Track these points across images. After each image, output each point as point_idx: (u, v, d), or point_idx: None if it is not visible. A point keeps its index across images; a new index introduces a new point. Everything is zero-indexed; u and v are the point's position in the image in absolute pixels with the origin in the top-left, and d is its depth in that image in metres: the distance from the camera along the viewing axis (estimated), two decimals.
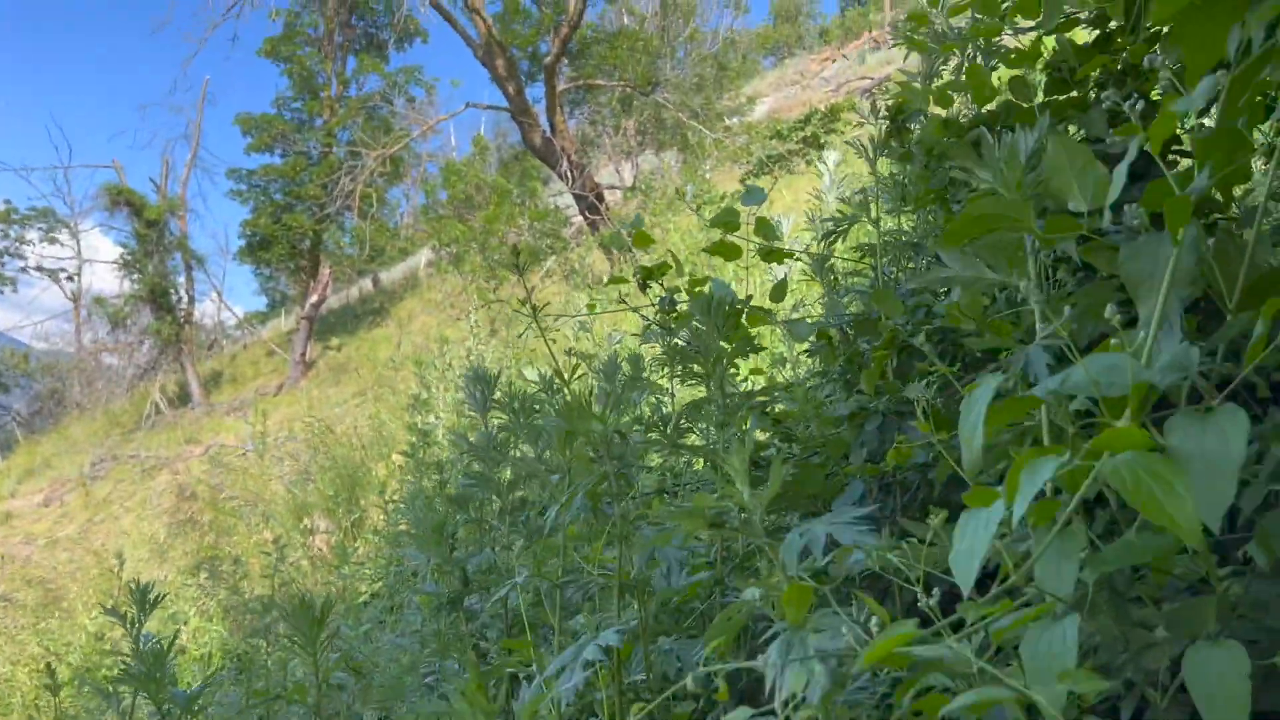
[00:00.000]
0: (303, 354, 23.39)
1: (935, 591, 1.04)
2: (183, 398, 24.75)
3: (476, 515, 2.70)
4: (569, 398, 2.04)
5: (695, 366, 2.46)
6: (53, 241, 32.23)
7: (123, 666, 2.81)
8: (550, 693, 1.32)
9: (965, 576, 0.89)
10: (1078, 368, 0.87)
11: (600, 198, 18.29)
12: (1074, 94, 2.10)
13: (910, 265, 2.49)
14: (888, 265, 2.49)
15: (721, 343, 2.03)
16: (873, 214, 2.38)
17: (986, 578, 1.13)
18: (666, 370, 2.64)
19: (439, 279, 27.61)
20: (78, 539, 14.08)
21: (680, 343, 2.57)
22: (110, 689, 2.67)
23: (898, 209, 2.42)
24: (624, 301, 2.89)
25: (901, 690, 0.96)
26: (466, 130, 40.68)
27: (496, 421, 2.95)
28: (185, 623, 5.54)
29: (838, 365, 2.51)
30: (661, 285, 2.65)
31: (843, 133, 19.17)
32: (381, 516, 5.93)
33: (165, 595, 2.82)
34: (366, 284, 33.60)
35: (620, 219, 17.81)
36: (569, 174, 18.25)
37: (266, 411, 18.87)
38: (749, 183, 18.65)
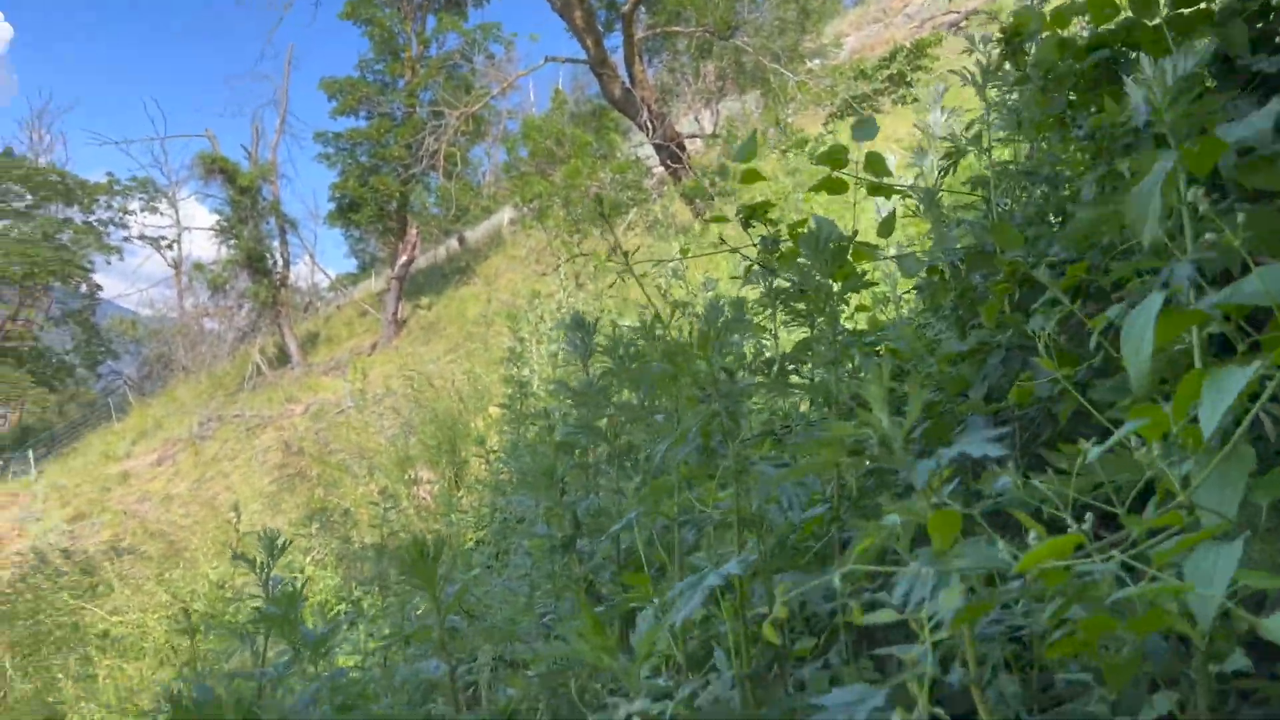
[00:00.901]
0: (394, 313, 23.88)
1: (1089, 517, 1.02)
2: (281, 359, 25.56)
3: (582, 461, 2.72)
4: (672, 340, 2.04)
5: (799, 307, 2.43)
6: (153, 210, 33.51)
7: (253, 610, 2.95)
8: (668, 621, 1.34)
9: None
10: (1250, 279, 0.84)
11: (682, 147, 18.11)
12: (1203, 5, 1.98)
13: (1025, 196, 2.41)
14: (1001, 197, 2.41)
15: (830, 279, 2.00)
16: (984, 144, 2.31)
17: (1141, 501, 1.10)
18: (768, 312, 2.62)
19: (523, 235, 27.82)
20: (190, 495, 14.75)
21: (784, 283, 2.55)
22: (244, 630, 2.80)
23: (1012, 137, 2.34)
24: (723, 243, 2.87)
25: (1058, 609, 0.94)
26: (545, 85, 40.66)
27: (598, 368, 2.97)
28: (301, 571, 5.78)
29: (949, 302, 2.45)
30: (764, 225, 2.63)
31: (929, 69, 18.57)
32: (483, 466, 6.06)
33: (289, 543, 2.94)
34: (452, 243, 34.07)
35: (702, 168, 17.64)
36: (649, 124, 18.09)
37: (363, 369, 19.39)
38: (832, 126, 18.26)
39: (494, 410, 7.51)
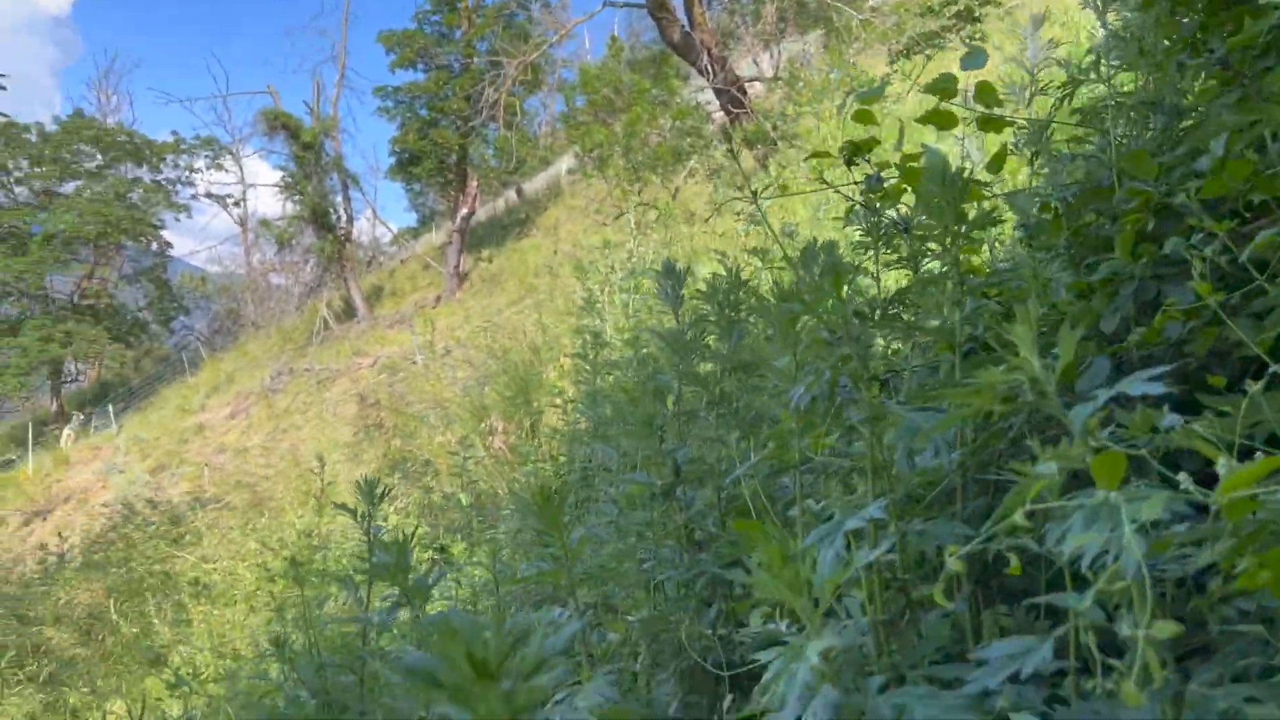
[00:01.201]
0: (456, 266, 24.03)
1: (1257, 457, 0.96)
2: (348, 312, 25.95)
3: (684, 409, 2.69)
4: (793, 281, 1.98)
5: (914, 246, 2.37)
6: (219, 168, 34.05)
7: (354, 556, 3.00)
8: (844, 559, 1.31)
9: None
10: None
11: (743, 91, 17.79)
12: None
13: (1144, 127, 2.29)
14: (1119, 128, 2.30)
15: (956, 214, 1.92)
16: (1102, 72, 2.20)
17: None
18: (870, 254, 2.55)
19: (581, 186, 27.71)
20: (265, 447, 15.11)
21: (890, 222, 2.48)
22: (352, 578, 2.85)
23: (1131, 65, 2.22)
24: (824, 182, 2.79)
25: (1250, 534, 0.89)
26: (600, 33, 40.14)
27: (689, 314, 2.93)
28: (385, 520, 5.88)
29: (1061, 241, 2.36)
30: (869, 162, 2.55)
31: (999, 3, 17.95)
32: (560, 416, 6.08)
33: (388, 491, 2.97)
34: (511, 195, 34.11)
35: (764, 112, 17.32)
36: (709, 69, 17.78)
37: (431, 321, 19.60)
38: (898, 65, 17.76)
39: (565, 361, 7.53)
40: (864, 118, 2.34)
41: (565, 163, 32.91)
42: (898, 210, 2.52)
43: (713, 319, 2.62)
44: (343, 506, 2.94)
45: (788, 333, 1.77)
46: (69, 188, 34.17)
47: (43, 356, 30.69)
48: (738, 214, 9.55)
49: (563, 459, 5.74)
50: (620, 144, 16.47)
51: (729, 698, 2.28)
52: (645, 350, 5.63)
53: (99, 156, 34.33)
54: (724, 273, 2.82)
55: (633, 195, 16.33)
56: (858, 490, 1.67)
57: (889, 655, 1.48)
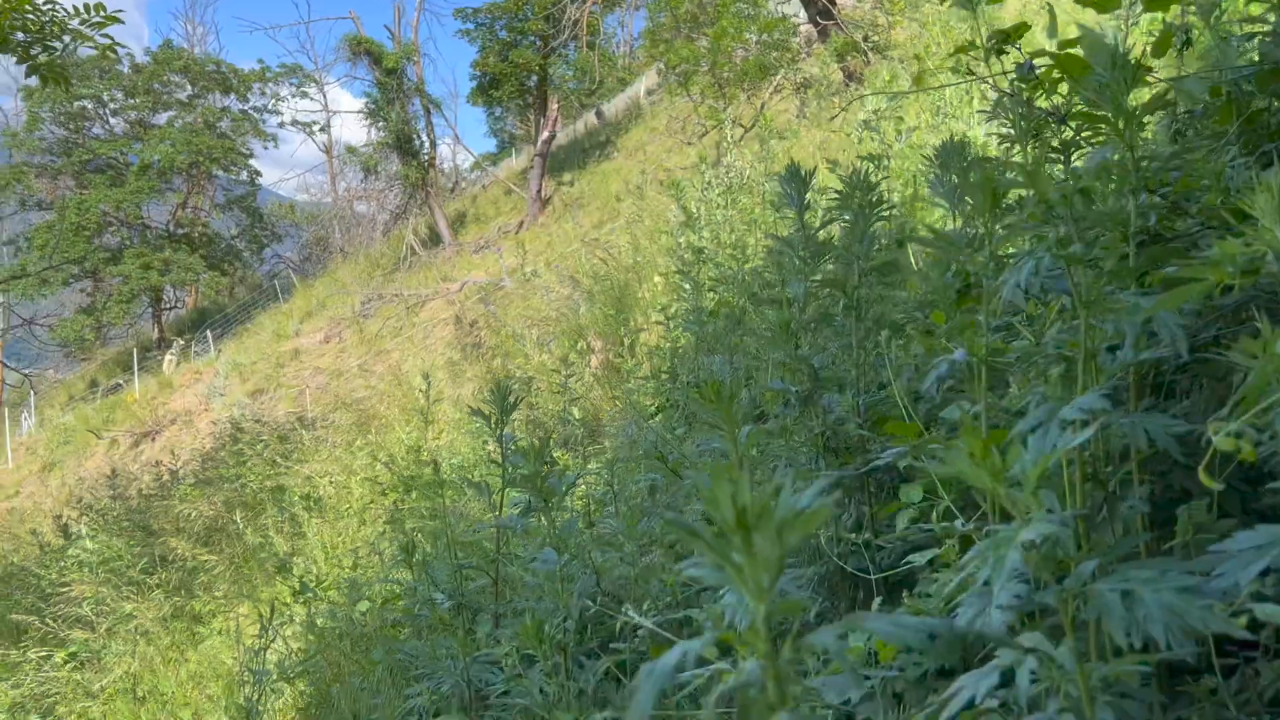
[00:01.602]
0: (538, 191, 24.00)
1: None
2: (433, 239, 26.21)
3: (823, 315, 2.63)
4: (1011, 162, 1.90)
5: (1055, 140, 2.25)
6: (303, 96, 34.47)
7: (463, 470, 3.04)
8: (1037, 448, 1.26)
9: None
10: None
11: (832, 1, 17.18)
12: None
13: None
14: None
15: (1127, 98, 1.80)
16: None
17: None
18: (1018, 149, 2.43)
19: (662, 106, 27.29)
20: (362, 369, 15.48)
21: (1042, 112, 2.35)
22: (486, 484, 2.89)
23: None
24: (970, 73, 2.66)
25: None
26: None
27: (816, 221, 2.85)
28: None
29: (1233, 126, 2.21)
30: (1019, 50, 2.41)
31: None
32: (660, 333, 6.06)
33: (520, 399, 2.99)
34: (591, 118, 33.81)
35: (854, 23, 16.72)
36: None
37: (512, 247, 19.69)
38: None
39: (659, 280, 7.48)
40: None
41: (645, 83, 32.41)
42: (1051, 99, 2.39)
43: (850, 217, 2.53)
44: (477, 412, 2.97)
45: (989, 207, 1.69)
46: (161, 119, 34.98)
47: (143, 284, 31.79)
48: (832, 119, 9.29)
49: (664, 376, 5.73)
50: (706, 59, 16.10)
51: (876, 600, 2.27)
52: (749, 265, 5.54)
53: (188, 87, 35.01)
54: (840, 182, 2.73)
55: (718, 112, 16.02)
56: (1051, 382, 1.60)
57: (1086, 551, 1.43)
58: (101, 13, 5.42)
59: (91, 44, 5.73)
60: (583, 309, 7.75)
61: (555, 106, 24.97)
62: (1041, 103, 2.37)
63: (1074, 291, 1.61)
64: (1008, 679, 1.13)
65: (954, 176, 2.36)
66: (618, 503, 3.95)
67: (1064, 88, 2.30)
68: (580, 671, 2.54)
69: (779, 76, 16.70)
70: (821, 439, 2.53)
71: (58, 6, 5.31)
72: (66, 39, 5.62)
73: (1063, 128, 2.30)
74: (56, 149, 33.70)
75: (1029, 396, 1.79)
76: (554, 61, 25.31)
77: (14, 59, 5.71)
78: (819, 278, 2.58)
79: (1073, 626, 1.02)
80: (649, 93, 30.89)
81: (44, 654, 6.11)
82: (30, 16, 5.22)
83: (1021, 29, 2.33)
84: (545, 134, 24.34)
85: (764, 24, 16.33)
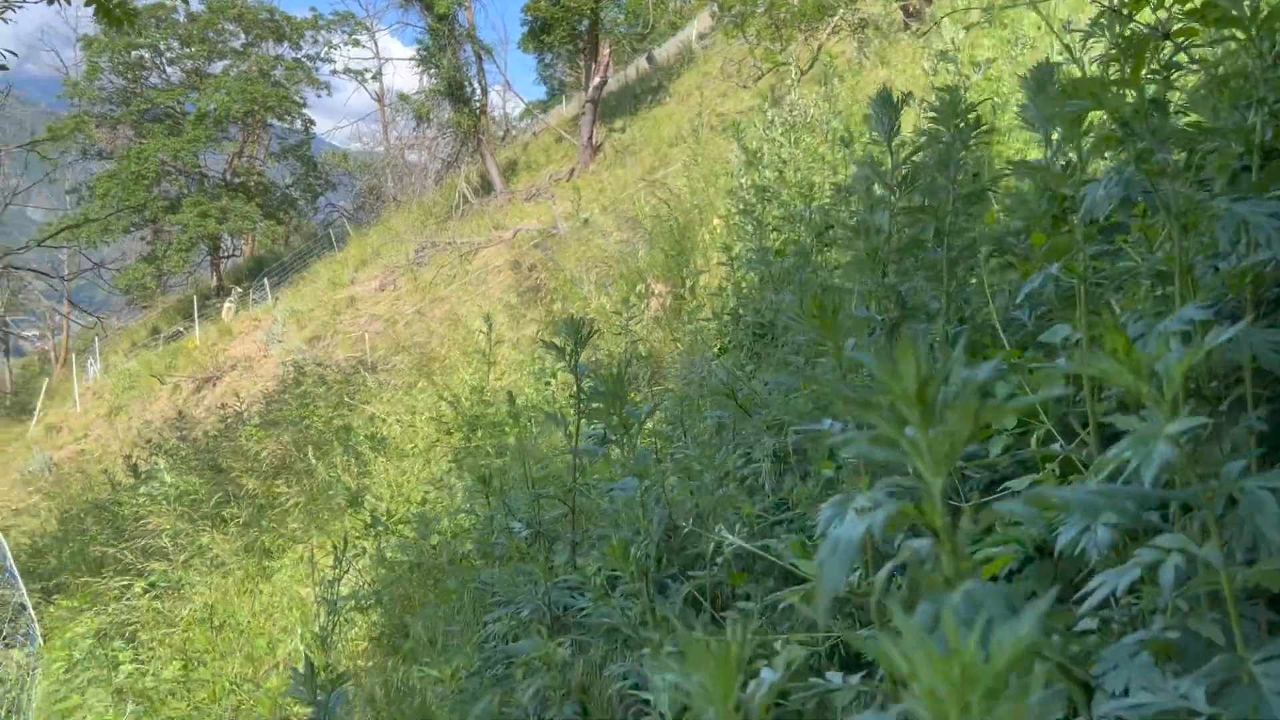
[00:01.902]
0: (589, 137, 23.85)
1: None
2: (485, 187, 26.24)
3: (887, 246, 2.58)
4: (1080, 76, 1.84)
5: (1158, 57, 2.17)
6: (355, 44, 34.47)
7: (529, 409, 3.06)
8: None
9: None
10: None
11: None
12: None
13: None
14: None
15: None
16: None
17: None
18: (1116, 68, 2.35)
19: (716, 49, 26.88)
20: (420, 314, 15.64)
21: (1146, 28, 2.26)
22: (559, 415, 2.92)
23: None
24: None
25: None
26: None
27: (905, 150, 2.80)
28: (554, 375, 6.03)
29: None
30: None
31: None
32: (723, 275, 6.02)
33: (594, 332, 3.00)
34: (642, 63, 33.42)
35: None
36: None
37: (564, 194, 19.64)
38: None
39: (718, 222, 7.42)
40: None
41: (697, 27, 31.91)
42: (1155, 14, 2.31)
43: (944, 141, 2.48)
44: (550, 345, 2.99)
45: (1068, 135, 1.65)
46: (216, 68, 35.28)
47: (200, 232, 32.30)
48: (922, 34, 9.10)
49: (727, 317, 5.70)
50: (762, 1, 15.79)
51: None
52: (817, 202, 5.47)
53: (243, 35, 35.20)
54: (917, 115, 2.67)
55: (775, 54, 15.76)
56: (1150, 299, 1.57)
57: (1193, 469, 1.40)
58: None
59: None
60: (641, 252, 7.72)
61: (607, 52, 24.70)
62: (1144, 18, 2.29)
63: (1161, 204, 1.57)
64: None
65: (1045, 102, 2.30)
66: (686, 439, 3.96)
67: (1168, 1, 2.22)
68: (661, 597, 2.56)
69: (837, 17, 16.32)
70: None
71: None
72: None
73: (1164, 44, 2.23)
74: (115, 98, 34.18)
75: (1127, 315, 1.75)
76: (606, 5, 24.99)
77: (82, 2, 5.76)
78: (908, 205, 2.53)
79: (1217, 527, 1.00)
80: (701, 37, 30.43)
81: (124, 584, 6.34)
82: None
83: None
84: (597, 80, 24.12)
85: None
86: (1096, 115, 1.88)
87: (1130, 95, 1.59)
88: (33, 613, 7.55)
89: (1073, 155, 1.98)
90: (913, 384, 0.66)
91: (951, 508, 2.22)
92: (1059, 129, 2.56)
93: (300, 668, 2.58)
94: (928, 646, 0.46)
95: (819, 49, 16.26)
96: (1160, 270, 1.55)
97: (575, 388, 3.07)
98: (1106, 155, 2.02)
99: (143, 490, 8.37)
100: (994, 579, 1.93)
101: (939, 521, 0.68)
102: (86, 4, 5.82)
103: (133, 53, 32.89)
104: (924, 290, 2.68)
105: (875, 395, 0.70)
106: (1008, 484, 2.09)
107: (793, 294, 4.31)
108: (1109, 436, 1.85)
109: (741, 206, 6.44)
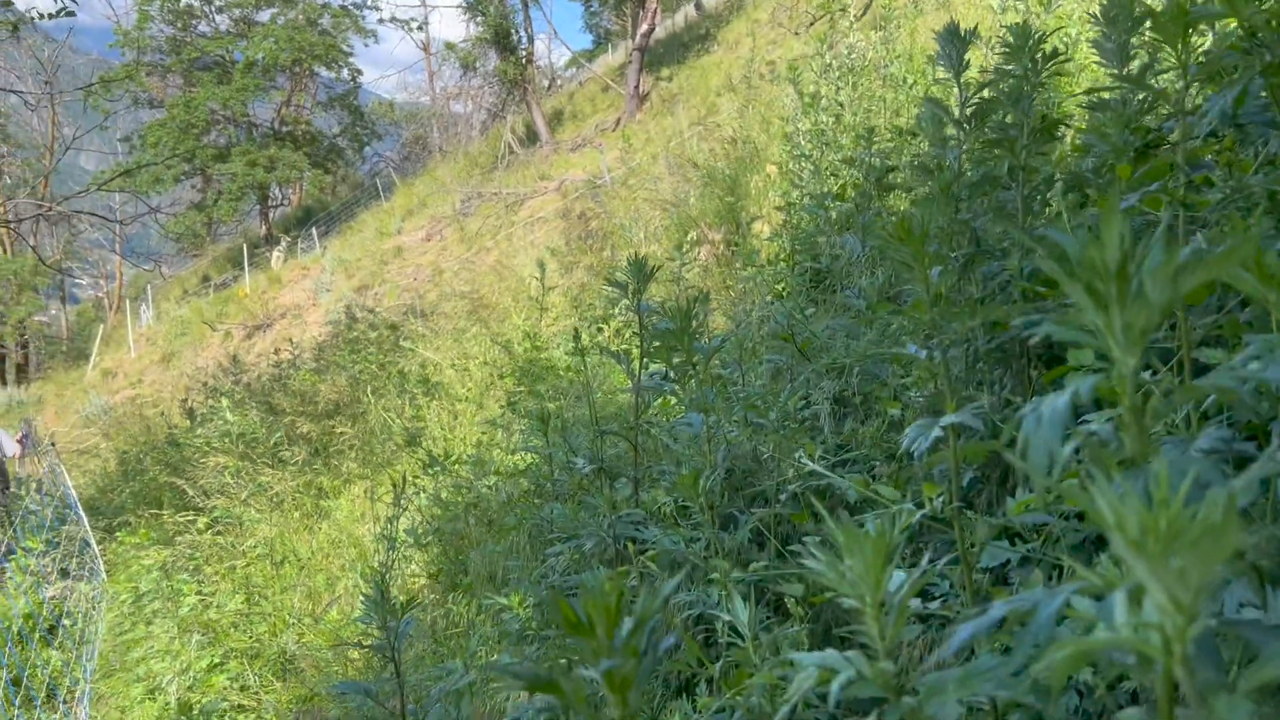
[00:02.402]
0: (636, 86, 23.59)
1: None
2: (531, 137, 26.14)
3: (987, 179, 2.53)
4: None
5: None
6: None
7: (600, 353, 3.04)
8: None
9: None
10: None
11: None
12: None
13: None
14: None
15: None
16: None
17: None
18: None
19: None
20: (468, 262, 15.70)
21: None
22: (626, 352, 2.92)
23: None
24: None
25: None
26: None
27: (973, 86, 2.74)
28: (606, 322, 6.04)
29: None
30: None
31: None
32: (778, 220, 5.96)
33: (658, 268, 2.99)
34: (690, 10, 32.93)
35: None
36: None
37: (611, 143, 19.51)
38: None
39: (772, 169, 7.33)
40: None
41: None
42: None
43: (1017, 74, 2.42)
44: (615, 283, 2.98)
45: (1185, 42, 1.59)
46: (264, 15, 35.31)
47: (249, 181, 32.59)
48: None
49: (783, 263, 5.65)
50: None
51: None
52: (878, 146, 5.38)
53: None
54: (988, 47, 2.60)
55: None
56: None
57: None
58: None
59: None
60: (693, 198, 7.66)
61: None
62: None
63: None
64: None
65: (1123, 33, 2.23)
66: (744, 382, 3.96)
67: None
68: (726, 532, 2.58)
69: None
70: (978, 305, 2.46)
71: None
72: None
73: None
74: (165, 47, 34.40)
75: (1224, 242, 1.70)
76: None
77: None
78: (984, 139, 2.48)
79: None
80: None
81: (188, 519, 6.51)
82: None
83: None
84: (644, 27, 23.80)
85: None
86: (1199, 39, 1.82)
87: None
88: (96, 549, 7.79)
89: (1164, 80, 1.90)
90: (1115, 257, 0.65)
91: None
92: (1145, 55, 2.48)
93: (368, 595, 2.63)
94: (1134, 501, 0.45)
95: None
96: (1274, 191, 1.50)
97: (638, 326, 3.07)
98: (1199, 84, 1.95)
99: (199, 431, 8.56)
100: None
101: (1128, 400, 0.67)
102: None
103: (182, 1, 33.02)
104: (996, 228, 2.63)
105: (1071, 271, 0.68)
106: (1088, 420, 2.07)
107: (854, 236, 4.26)
108: (1199, 368, 1.82)
109: (798, 151, 6.36)
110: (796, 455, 2.87)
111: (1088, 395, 0.67)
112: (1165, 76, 2.37)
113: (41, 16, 5.70)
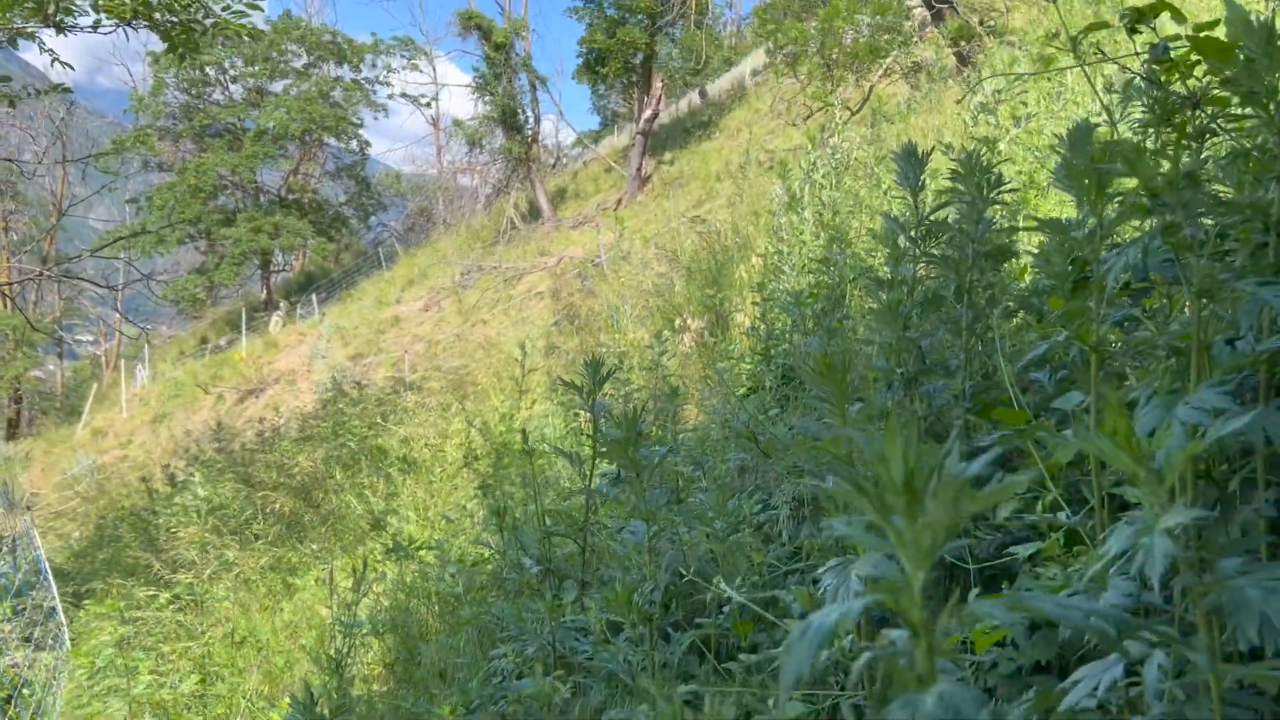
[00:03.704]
0: (638, 169, 24.02)
1: None
2: (533, 213, 26.50)
3: (909, 299, 2.56)
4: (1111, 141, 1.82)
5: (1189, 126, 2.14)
6: (414, 68, 35.11)
7: (553, 441, 3.05)
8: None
9: None
10: None
11: None
12: None
13: None
14: None
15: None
16: None
17: None
18: (1151, 133, 2.32)
19: (767, 87, 27.00)
20: (459, 337, 15.77)
21: (1177, 96, 2.24)
22: (576, 453, 2.91)
23: None
24: (1099, 55, 2.54)
25: None
26: None
27: (933, 201, 2.79)
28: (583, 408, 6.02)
29: None
30: (1153, 30, 2.30)
31: None
32: (756, 314, 6.01)
33: (613, 372, 3.01)
34: (693, 97, 33.64)
35: (970, 6, 16.23)
36: None
37: (610, 224, 19.77)
38: None
39: (757, 261, 7.41)
40: (1160, 8, 2.09)
41: (750, 64, 32.08)
42: (1185, 84, 2.28)
43: (967, 199, 2.46)
44: (570, 384, 2.99)
45: (1093, 200, 1.62)
46: (278, 86, 36.08)
47: (253, 246, 32.92)
48: (960, 102, 9.06)
49: (758, 358, 5.68)
50: (815, 40, 15.85)
51: (974, 591, 2.21)
52: (853, 249, 5.44)
53: (305, 56, 36.01)
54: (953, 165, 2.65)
55: (825, 94, 15.78)
56: (1163, 374, 1.53)
57: (1197, 552, 1.36)
58: None
59: (231, 32, 5.83)
60: (678, 286, 7.73)
61: (660, 85, 24.91)
62: (1175, 87, 2.27)
63: (1184, 279, 1.54)
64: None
65: (1080, 161, 2.27)
66: (707, 480, 3.95)
67: (1199, 71, 2.20)
68: (665, 644, 2.54)
69: (889, 59, 16.34)
70: (924, 423, 2.47)
71: None
72: (208, 21, 5.73)
73: (1196, 113, 2.20)
74: (179, 113, 35.08)
75: (1140, 387, 1.72)
76: (661, 40, 25.24)
77: (155, 33, 5.86)
78: (932, 257, 2.51)
79: (1208, 624, 0.97)
80: (754, 74, 30.58)
81: (151, 594, 6.42)
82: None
83: (1158, 7, 2.22)
84: (648, 112, 24.32)
85: (877, 6, 15.98)
86: (1129, 182, 1.86)
87: (1164, 164, 1.57)
88: (63, 616, 7.66)
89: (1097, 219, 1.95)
90: (900, 473, 0.65)
91: (942, 587, 2.18)
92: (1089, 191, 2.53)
93: (300, 700, 2.58)
94: None
95: (870, 90, 16.28)
96: (1176, 346, 1.52)
97: (591, 428, 3.08)
98: (1133, 223, 1.99)
99: (176, 500, 8.50)
100: (1000, 644, 1.90)
101: (917, 616, 0.66)
102: (162, 39, 5.89)
103: (197, 70, 33.76)
104: (945, 345, 2.64)
105: (865, 479, 0.69)
106: (1013, 550, 2.05)
107: (820, 338, 4.29)
108: (1118, 505, 1.82)
109: (780, 246, 6.43)
110: (743, 564, 2.85)
111: (856, 618, 0.67)
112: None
113: (39, 93, 5.83)
